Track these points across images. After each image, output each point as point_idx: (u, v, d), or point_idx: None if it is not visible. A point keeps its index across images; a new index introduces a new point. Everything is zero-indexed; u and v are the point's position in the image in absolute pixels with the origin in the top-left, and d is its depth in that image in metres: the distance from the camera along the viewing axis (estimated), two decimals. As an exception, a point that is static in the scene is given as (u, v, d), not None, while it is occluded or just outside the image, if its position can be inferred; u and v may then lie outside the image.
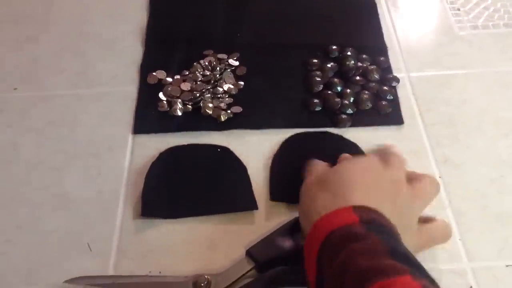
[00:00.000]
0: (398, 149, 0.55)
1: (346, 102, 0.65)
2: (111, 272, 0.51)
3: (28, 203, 0.57)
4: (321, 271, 0.42)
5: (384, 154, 0.52)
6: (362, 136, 0.62)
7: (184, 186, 0.58)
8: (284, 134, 0.62)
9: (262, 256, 0.50)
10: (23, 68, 0.70)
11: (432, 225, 0.50)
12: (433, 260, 0.52)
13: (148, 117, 0.65)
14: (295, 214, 0.53)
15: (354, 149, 0.60)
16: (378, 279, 0.36)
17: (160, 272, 0.51)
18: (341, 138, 0.62)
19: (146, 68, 0.70)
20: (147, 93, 0.67)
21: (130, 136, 0.63)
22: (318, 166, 0.54)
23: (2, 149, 0.62)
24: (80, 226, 0.55)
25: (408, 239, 0.44)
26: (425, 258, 0.50)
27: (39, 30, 0.75)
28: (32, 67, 0.71)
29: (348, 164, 0.52)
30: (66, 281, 0.49)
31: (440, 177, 0.58)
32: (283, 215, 0.55)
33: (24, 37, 0.74)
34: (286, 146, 0.62)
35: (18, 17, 0.77)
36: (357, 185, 0.48)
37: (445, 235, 0.51)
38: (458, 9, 0.78)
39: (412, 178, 0.50)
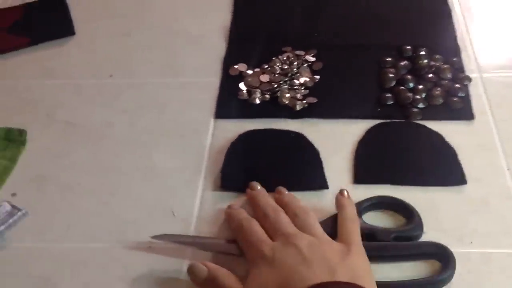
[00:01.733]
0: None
1: (418, 97, 0.68)
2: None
3: (120, 173, 0.63)
4: None
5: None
6: (433, 129, 0.65)
7: (260, 164, 0.62)
8: (356, 124, 0.66)
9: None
10: (118, 58, 0.77)
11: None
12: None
13: (229, 104, 0.70)
14: (362, 196, 0.57)
15: (437, 139, 0.63)
16: None
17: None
18: (424, 127, 0.65)
19: (228, 61, 0.75)
20: (228, 83, 0.72)
21: (211, 120, 0.68)
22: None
23: (99, 126, 0.68)
24: (165, 195, 0.60)
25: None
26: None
27: (133, 26, 0.82)
28: (126, 58, 0.78)
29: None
30: (152, 237, 0.54)
31: (508, 169, 0.60)
32: (354, 196, 0.57)
33: (119, 31, 0.81)
34: (372, 133, 0.65)
35: (115, 15, 0.84)
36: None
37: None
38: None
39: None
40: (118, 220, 0.58)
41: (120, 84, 0.74)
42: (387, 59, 0.73)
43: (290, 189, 0.59)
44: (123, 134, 0.67)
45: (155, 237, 0.54)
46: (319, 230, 0.51)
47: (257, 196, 0.57)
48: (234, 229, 0.54)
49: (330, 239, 0.51)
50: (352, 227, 0.51)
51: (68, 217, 0.58)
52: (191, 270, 0.49)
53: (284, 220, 0.52)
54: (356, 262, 0.47)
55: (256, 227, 0.52)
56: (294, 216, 0.53)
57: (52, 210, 0.59)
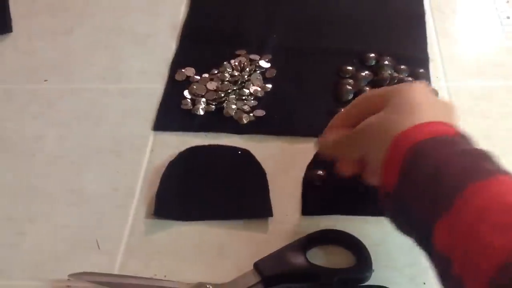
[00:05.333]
0: None
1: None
2: (116, 271, 0.51)
3: (43, 196, 0.57)
4: (405, 179, 0.42)
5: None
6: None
7: (200, 188, 0.56)
8: (306, 143, 0.60)
9: (269, 270, 0.47)
10: (55, 60, 0.71)
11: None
12: None
13: (171, 114, 0.64)
14: (310, 228, 0.51)
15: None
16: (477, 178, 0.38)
17: (165, 276, 0.50)
18: None
19: (177, 64, 0.69)
20: (173, 90, 0.66)
21: (151, 134, 0.62)
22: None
23: (27, 140, 0.62)
24: (91, 222, 0.54)
25: None
26: None
27: (75, 23, 0.75)
28: (64, 60, 0.71)
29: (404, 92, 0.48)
30: (70, 275, 0.48)
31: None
32: (301, 227, 0.53)
33: (59, 29, 0.75)
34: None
35: (56, 9, 0.77)
36: (425, 106, 0.46)
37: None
38: (508, 17, 0.73)
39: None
40: (35, 253, 0.52)
41: (55, 90, 0.67)
42: (347, 67, 0.67)
43: (230, 217, 0.54)
44: (52, 149, 0.61)
45: (73, 275, 0.49)
46: None
47: None
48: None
49: None
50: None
51: (-23, 249, 0.52)
52: None
53: None
54: None
55: None
56: None
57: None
